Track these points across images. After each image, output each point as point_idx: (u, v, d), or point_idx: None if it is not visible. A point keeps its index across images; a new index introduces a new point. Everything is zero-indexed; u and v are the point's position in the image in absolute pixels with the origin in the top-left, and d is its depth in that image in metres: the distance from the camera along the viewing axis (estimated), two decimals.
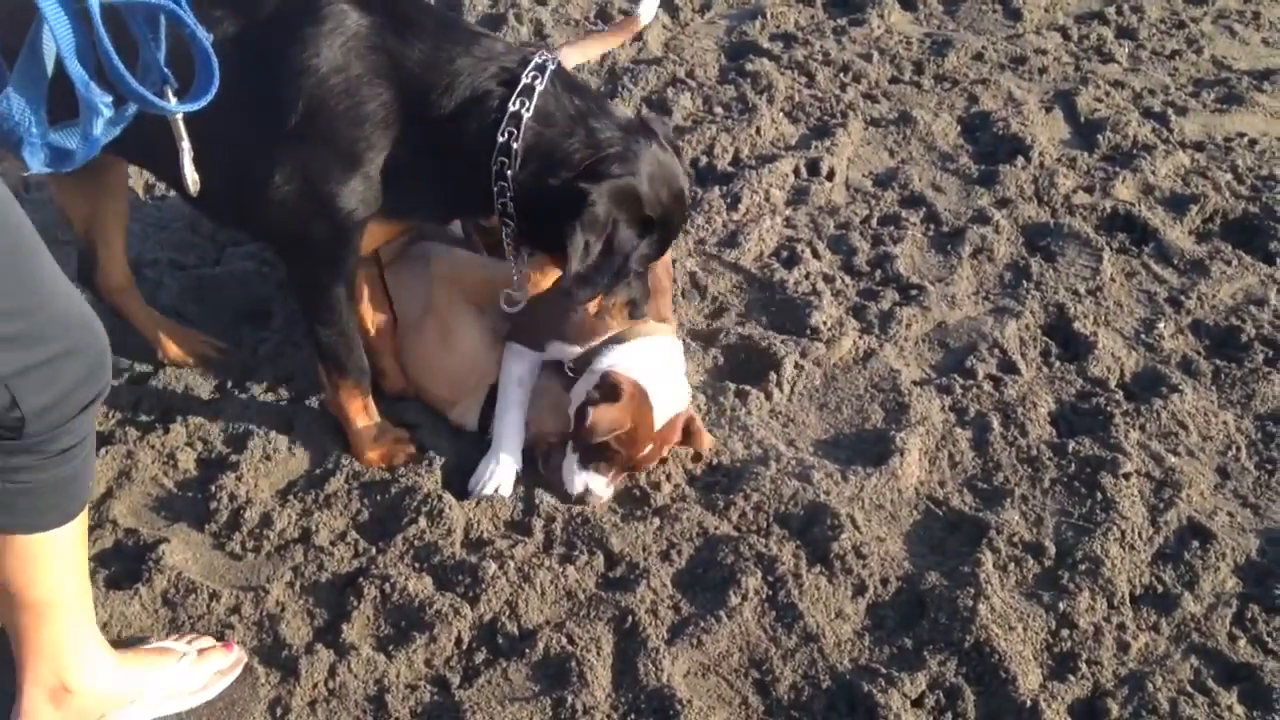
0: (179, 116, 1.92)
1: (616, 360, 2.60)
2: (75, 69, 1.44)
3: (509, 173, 2.29)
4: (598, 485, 2.59)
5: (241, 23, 2.23)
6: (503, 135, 2.26)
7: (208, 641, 2.22)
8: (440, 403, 2.82)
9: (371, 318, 2.73)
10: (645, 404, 2.55)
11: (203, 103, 1.60)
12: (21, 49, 1.45)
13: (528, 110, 2.25)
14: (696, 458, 2.75)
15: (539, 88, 2.27)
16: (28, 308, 1.60)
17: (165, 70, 1.60)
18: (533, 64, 2.30)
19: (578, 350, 2.67)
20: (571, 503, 2.60)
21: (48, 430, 1.68)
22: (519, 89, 2.26)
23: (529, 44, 2.33)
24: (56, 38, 1.42)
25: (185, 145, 1.97)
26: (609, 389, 2.54)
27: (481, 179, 2.31)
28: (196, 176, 1.91)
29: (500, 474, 2.63)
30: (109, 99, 1.49)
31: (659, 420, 2.57)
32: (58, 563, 1.85)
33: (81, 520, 1.87)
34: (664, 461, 2.71)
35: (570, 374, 2.69)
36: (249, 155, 2.27)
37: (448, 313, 2.76)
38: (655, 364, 2.62)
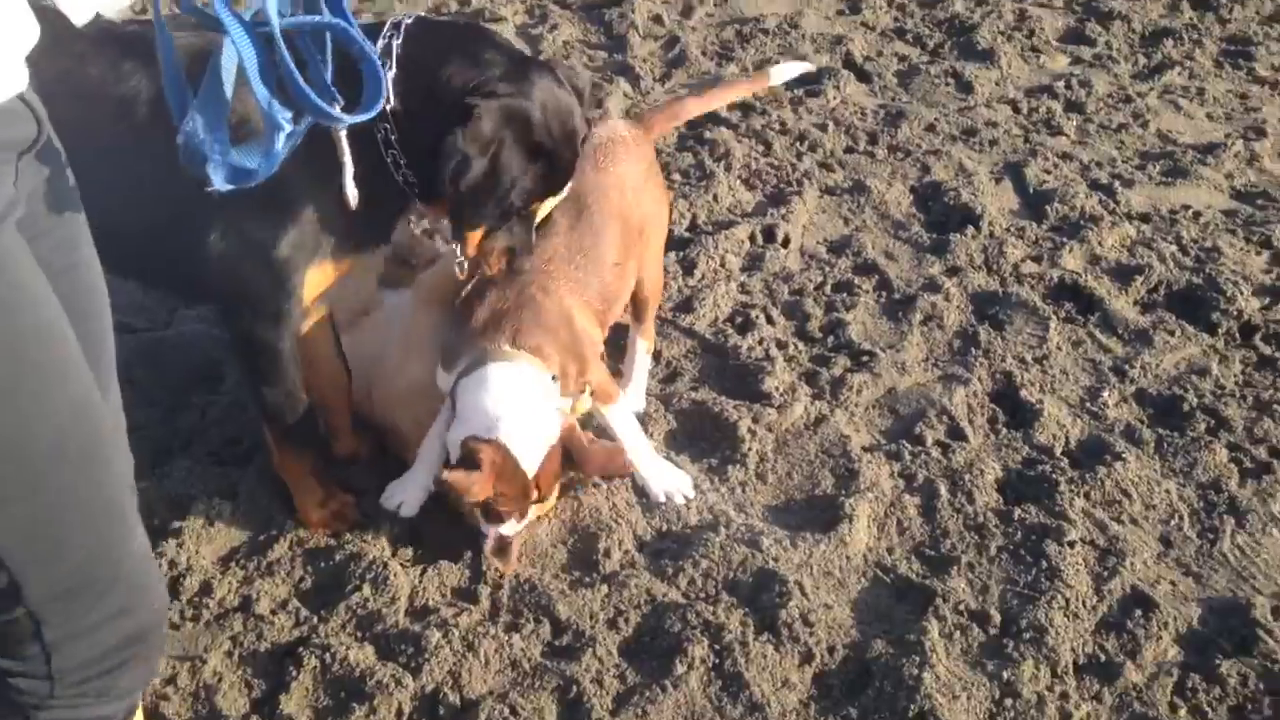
0: (343, 133, 1.99)
1: (468, 408, 2.49)
2: (260, 89, 1.54)
3: (394, 137, 2.19)
4: (508, 532, 2.57)
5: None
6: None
7: None
8: (403, 445, 2.79)
9: (326, 378, 2.70)
10: (511, 463, 2.45)
11: (373, 113, 1.75)
12: (205, 72, 1.54)
13: (391, 69, 2.14)
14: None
15: (396, 42, 2.17)
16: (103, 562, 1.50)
17: (332, 88, 1.70)
18: (388, 24, 2.21)
19: (447, 376, 2.61)
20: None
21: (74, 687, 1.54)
22: (382, 53, 2.14)
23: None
24: (244, 60, 1.51)
25: (347, 160, 2.06)
26: (468, 461, 2.43)
27: (378, 161, 2.22)
28: (356, 191, 2.06)
29: (406, 493, 2.65)
30: (289, 115, 1.59)
31: (532, 468, 2.49)
32: None
33: None
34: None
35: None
36: (184, 215, 2.21)
37: (410, 349, 2.75)
38: (511, 401, 2.49)
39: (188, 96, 1.54)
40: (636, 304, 3.06)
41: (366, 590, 2.48)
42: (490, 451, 2.43)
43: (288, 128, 1.57)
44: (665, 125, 3.34)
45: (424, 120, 2.18)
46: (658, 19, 5.41)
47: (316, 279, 2.36)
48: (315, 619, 2.44)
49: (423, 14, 2.40)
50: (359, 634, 2.41)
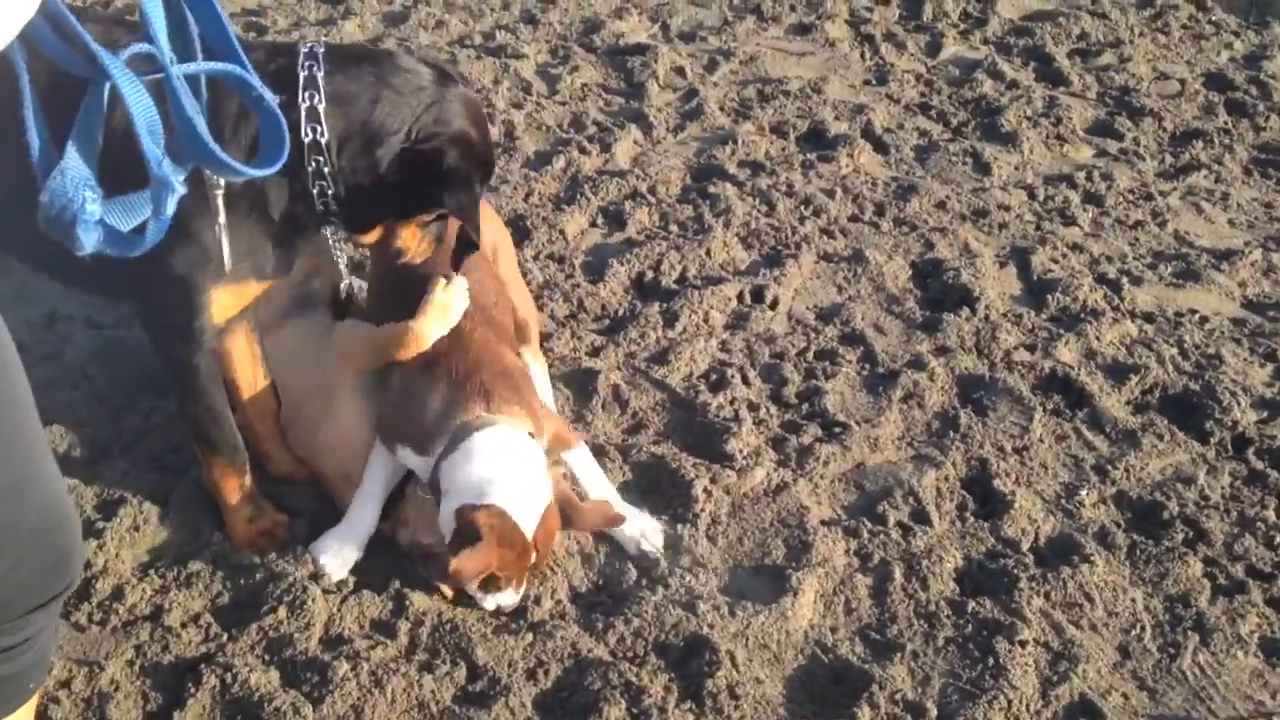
0: (219, 193, 1.90)
1: (458, 482, 2.40)
2: (151, 148, 1.39)
3: (326, 169, 2.23)
4: (507, 600, 2.50)
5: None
6: (307, 134, 2.19)
7: None
8: (330, 487, 2.73)
9: (251, 404, 2.64)
10: (509, 525, 2.36)
11: (277, 166, 1.58)
12: (75, 122, 1.39)
13: (321, 101, 2.19)
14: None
15: (320, 75, 2.20)
16: None
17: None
18: (302, 55, 2.22)
19: (422, 460, 2.52)
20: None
21: None
22: (301, 84, 2.19)
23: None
24: (134, 115, 1.36)
25: (223, 220, 1.95)
26: (467, 531, 2.32)
27: (301, 191, 2.25)
28: (229, 253, 1.95)
29: (334, 554, 2.55)
30: (181, 175, 1.44)
31: (530, 529, 2.39)
32: None
33: (20, 716, 1.67)
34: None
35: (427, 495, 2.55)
36: None
37: (333, 396, 2.69)
38: (501, 465, 2.41)
39: (51, 151, 1.39)
40: (519, 329, 3.01)
41: (282, 613, 2.40)
42: (487, 517, 2.33)
43: (181, 190, 1.43)
44: None
45: (363, 154, 2.26)
46: (680, 70, 5.40)
47: (225, 300, 2.32)
48: (225, 636, 2.36)
49: (324, 40, 2.37)
50: (266, 657, 2.33)
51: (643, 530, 2.75)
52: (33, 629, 1.57)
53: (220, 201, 1.84)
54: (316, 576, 2.52)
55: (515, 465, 2.43)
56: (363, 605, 2.48)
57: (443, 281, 2.61)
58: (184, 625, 2.37)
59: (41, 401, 2.80)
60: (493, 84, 5.02)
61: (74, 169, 1.34)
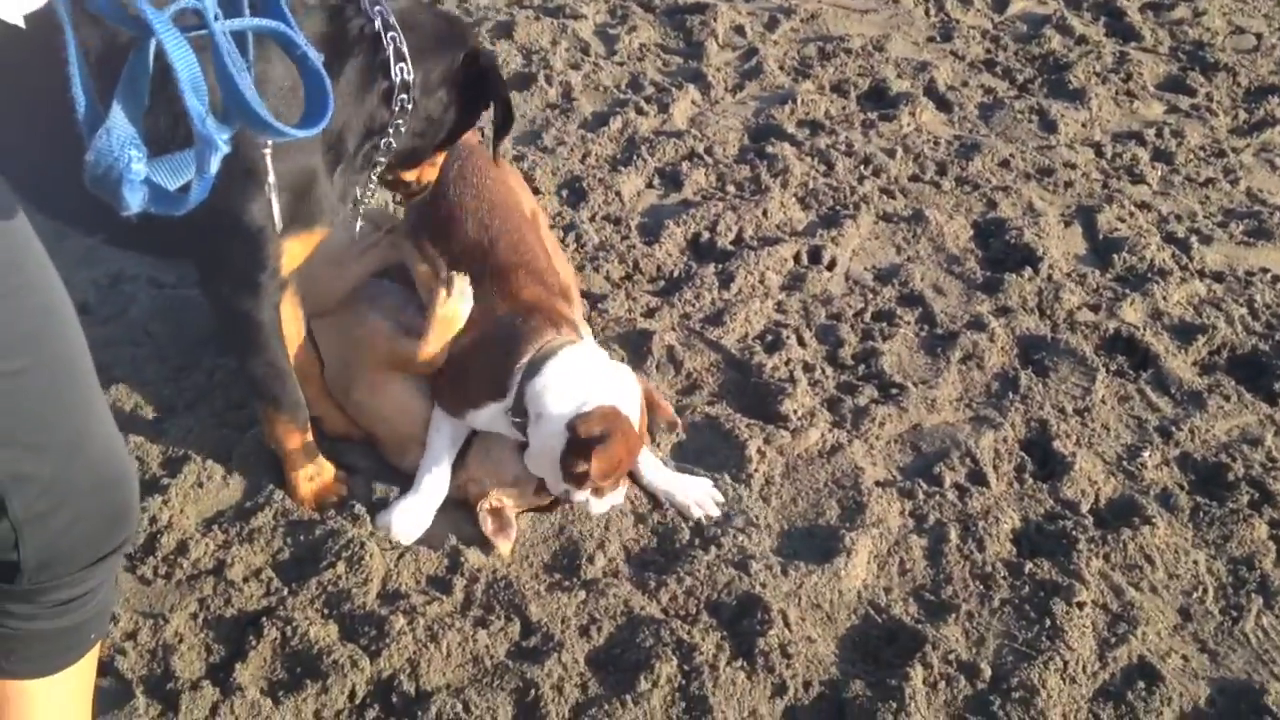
0: (268, 153, 1.91)
1: (555, 399, 2.49)
2: (194, 104, 1.36)
3: (410, 107, 2.37)
4: (617, 499, 2.64)
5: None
6: (396, 74, 2.32)
7: None
8: (387, 450, 2.77)
9: (299, 364, 2.65)
10: (625, 421, 2.50)
11: (321, 127, 1.54)
12: (120, 80, 1.37)
13: (402, 42, 2.32)
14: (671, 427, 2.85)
15: (391, 17, 2.32)
16: (52, 449, 1.48)
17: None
18: (366, 2, 2.32)
19: (497, 405, 2.59)
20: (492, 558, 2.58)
21: (45, 582, 1.56)
22: (381, 27, 2.30)
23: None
24: (178, 71, 1.34)
25: (272, 180, 1.96)
26: (588, 436, 2.44)
27: (379, 131, 2.39)
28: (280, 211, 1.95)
29: (407, 522, 2.58)
30: (226, 134, 1.41)
31: (636, 420, 2.55)
32: (49, 708, 1.69)
33: (82, 666, 1.71)
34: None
35: (517, 429, 2.61)
36: None
37: (377, 370, 2.72)
38: (596, 373, 2.55)
39: (97, 109, 1.36)
40: (562, 294, 3.02)
41: (340, 568, 2.44)
42: (607, 417, 2.48)
43: (225, 149, 1.39)
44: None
45: (440, 84, 2.46)
46: (740, 29, 5.33)
47: (295, 249, 2.34)
48: (285, 591, 2.41)
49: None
50: (325, 611, 2.37)
51: (698, 498, 2.76)
52: (93, 582, 1.61)
53: (269, 161, 1.84)
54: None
55: (605, 369, 2.59)
56: (419, 562, 2.52)
57: (443, 294, 2.65)
58: (246, 579, 2.43)
59: (106, 360, 2.90)
60: (550, 45, 5.00)
61: (119, 127, 1.32)
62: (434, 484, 2.62)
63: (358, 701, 2.23)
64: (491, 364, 2.58)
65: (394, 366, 2.71)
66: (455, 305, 2.65)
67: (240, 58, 1.44)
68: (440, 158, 2.70)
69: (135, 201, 1.34)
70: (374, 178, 2.47)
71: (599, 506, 2.61)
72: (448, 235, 2.84)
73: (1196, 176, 4.55)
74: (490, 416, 2.61)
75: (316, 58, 1.50)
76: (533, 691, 2.26)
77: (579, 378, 2.52)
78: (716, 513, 2.74)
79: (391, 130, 2.34)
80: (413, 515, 2.59)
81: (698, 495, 2.76)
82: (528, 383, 2.52)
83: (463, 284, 2.66)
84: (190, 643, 2.29)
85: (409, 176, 2.65)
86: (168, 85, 1.34)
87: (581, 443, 2.44)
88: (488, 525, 2.57)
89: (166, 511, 2.53)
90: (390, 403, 2.71)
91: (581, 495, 2.55)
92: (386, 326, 2.74)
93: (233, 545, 2.49)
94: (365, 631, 2.33)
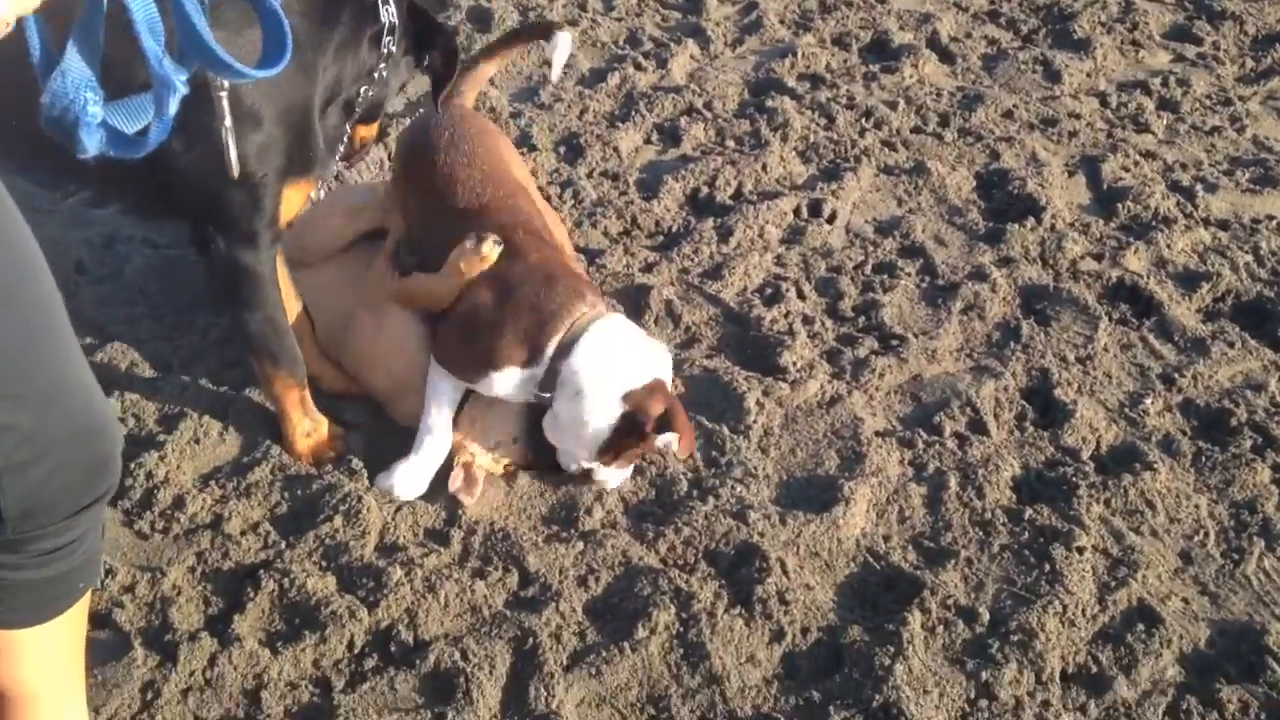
0: (224, 95, 1.89)
1: (602, 373, 2.50)
2: (151, 44, 1.35)
3: (393, 50, 2.45)
4: (628, 471, 2.66)
5: None
6: (385, 18, 2.39)
7: None
8: (384, 399, 2.77)
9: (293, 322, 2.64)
10: (671, 396, 2.56)
11: (280, 68, 1.51)
12: (75, 22, 1.35)
13: None
14: None
15: None
16: (30, 399, 1.48)
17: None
18: None
19: (526, 373, 2.54)
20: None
21: (29, 531, 1.56)
22: None
23: None
24: (134, 12, 1.33)
25: (228, 123, 1.94)
26: (655, 418, 2.48)
27: (367, 76, 2.45)
28: (236, 156, 1.91)
29: (408, 483, 2.57)
30: (184, 75, 1.39)
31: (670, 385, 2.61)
32: (40, 657, 1.70)
33: (72, 616, 1.71)
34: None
35: (538, 399, 2.56)
36: None
37: (383, 310, 2.72)
38: (633, 344, 2.58)
39: (51, 52, 1.35)
40: None
41: (338, 521, 2.45)
42: (665, 393, 2.54)
43: (183, 90, 1.37)
44: (474, 94, 3.41)
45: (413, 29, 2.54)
46: None
47: (293, 198, 2.33)
48: (283, 544, 2.41)
49: None
50: (323, 563, 2.38)
51: None
52: (78, 530, 1.61)
53: (225, 104, 1.82)
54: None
55: (641, 341, 2.62)
56: (416, 514, 2.52)
57: (470, 242, 2.61)
58: (243, 533, 2.43)
59: (101, 319, 2.91)
60: (547, 1, 4.96)
61: (75, 70, 1.30)
62: (434, 444, 2.60)
63: (356, 651, 2.24)
64: (518, 330, 2.53)
65: (400, 298, 2.70)
66: (477, 258, 2.59)
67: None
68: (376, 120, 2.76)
69: (92, 144, 1.33)
70: (349, 129, 2.46)
71: (615, 478, 2.63)
72: (440, 199, 2.81)
73: (1202, 125, 4.50)
74: (508, 381, 2.55)
75: None
76: (530, 640, 2.26)
77: (620, 354, 2.53)
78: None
79: (376, 76, 2.32)
80: (414, 476, 2.58)
81: None
82: (564, 359, 2.49)
83: (491, 245, 2.60)
84: (188, 595, 2.30)
85: (363, 133, 2.66)
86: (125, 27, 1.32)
87: (637, 421, 2.47)
88: (456, 481, 2.56)
89: (163, 467, 2.53)
90: (389, 347, 2.70)
91: (605, 472, 2.58)
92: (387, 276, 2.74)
93: (230, 500, 2.49)
94: (363, 583, 2.33)
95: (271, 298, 2.42)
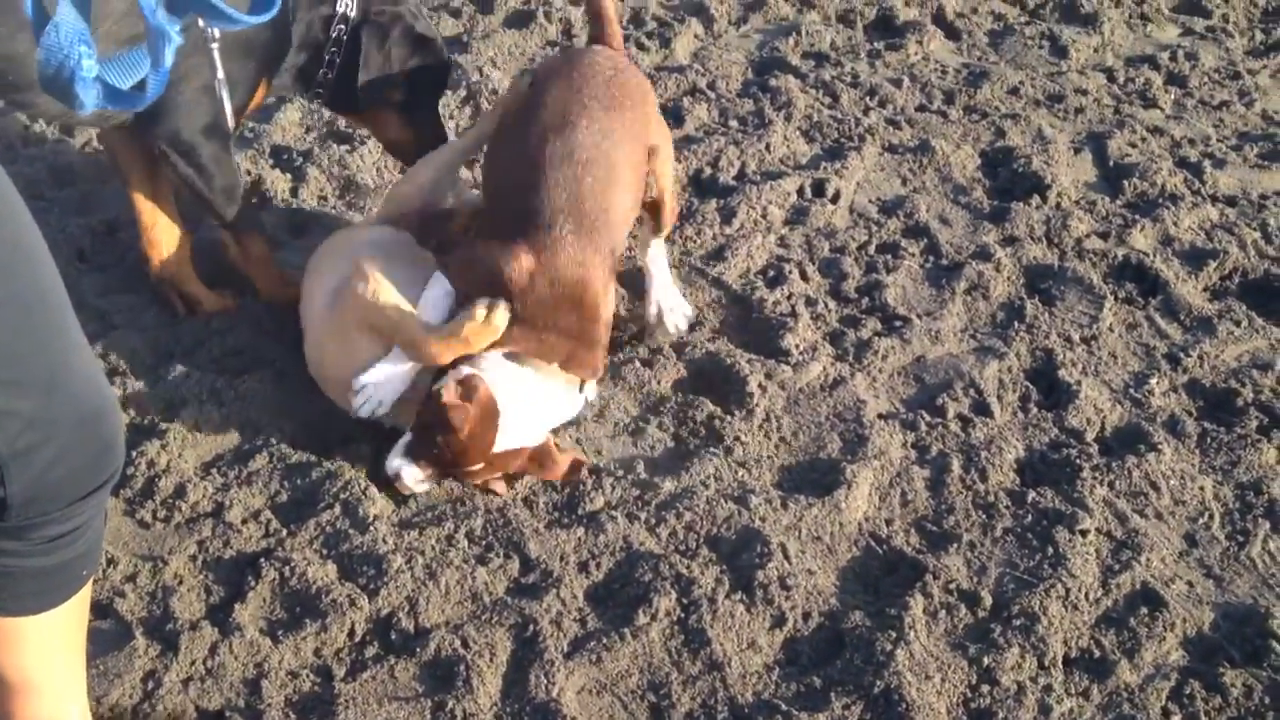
0: (216, 47, 1.88)
1: (488, 367, 2.47)
2: None
3: (344, 39, 2.68)
4: (411, 477, 2.46)
5: None
6: (340, 5, 2.65)
7: None
8: (339, 398, 2.69)
9: None
10: (490, 421, 2.42)
11: (274, 11, 1.49)
12: None
13: None
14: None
15: None
16: (31, 385, 1.48)
17: None
18: None
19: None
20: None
21: (33, 518, 1.55)
22: None
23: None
24: None
25: (220, 76, 1.94)
26: (467, 387, 2.41)
27: (317, 53, 2.70)
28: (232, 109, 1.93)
29: (416, 472, 2.47)
30: (177, 25, 1.36)
31: (498, 444, 2.44)
32: (42, 646, 1.70)
33: (74, 604, 1.71)
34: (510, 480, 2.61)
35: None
36: None
37: (354, 325, 2.57)
38: (522, 391, 2.49)
39: (43, 7, 1.33)
40: (654, 213, 2.96)
41: (339, 509, 2.45)
42: (486, 397, 2.41)
43: (178, 40, 1.35)
44: (618, 34, 3.07)
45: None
46: None
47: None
48: (284, 532, 2.41)
49: None
50: (324, 551, 2.38)
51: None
52: (82, 517, 1.62)
53: (218, 57, 1.82)
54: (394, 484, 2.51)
55: (533, 403, 2.53)
56: (417, 502, 2.52)
57: (481, 312, 2.45)
58: (244, 521, 2.43)
59: (104, 307, 2.90)
60: None
61: (68, 23, 1.26)
62: (439, 300, 2.56)
63: (357, 639, 2.24)
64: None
65: (383, 329, 2.54)
66: (484, 331, 2.47)
67: None
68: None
69: (90, 100, 1.31)
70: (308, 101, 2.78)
71: (394, 464, 2.49)
72: (516, 144, 2.62)
73: (1210, 100, 4.47)
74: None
75: None
76: (531, 627, 2.26)
77: (518, 384, 2.50)
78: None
79: (327, 58, 2.54)
80: (435, 293, 2.56)
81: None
82: (489, 356, 2.55)
83: (502, 317, 2.46)
84: (189, 584, 2.30)
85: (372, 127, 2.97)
86: None
87: (461, 384, 2.42)
88: (390, 467, 2.51)
89: (165, 456, 2.53)
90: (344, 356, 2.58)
91: (402, 444, 2.52)
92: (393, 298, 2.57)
93: (231, 488, 2.49)
94: (364, 571, 2.34)
95: (225, 162, 2.69)
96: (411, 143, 3.00)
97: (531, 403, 2.51)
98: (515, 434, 2.47)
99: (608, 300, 2.57)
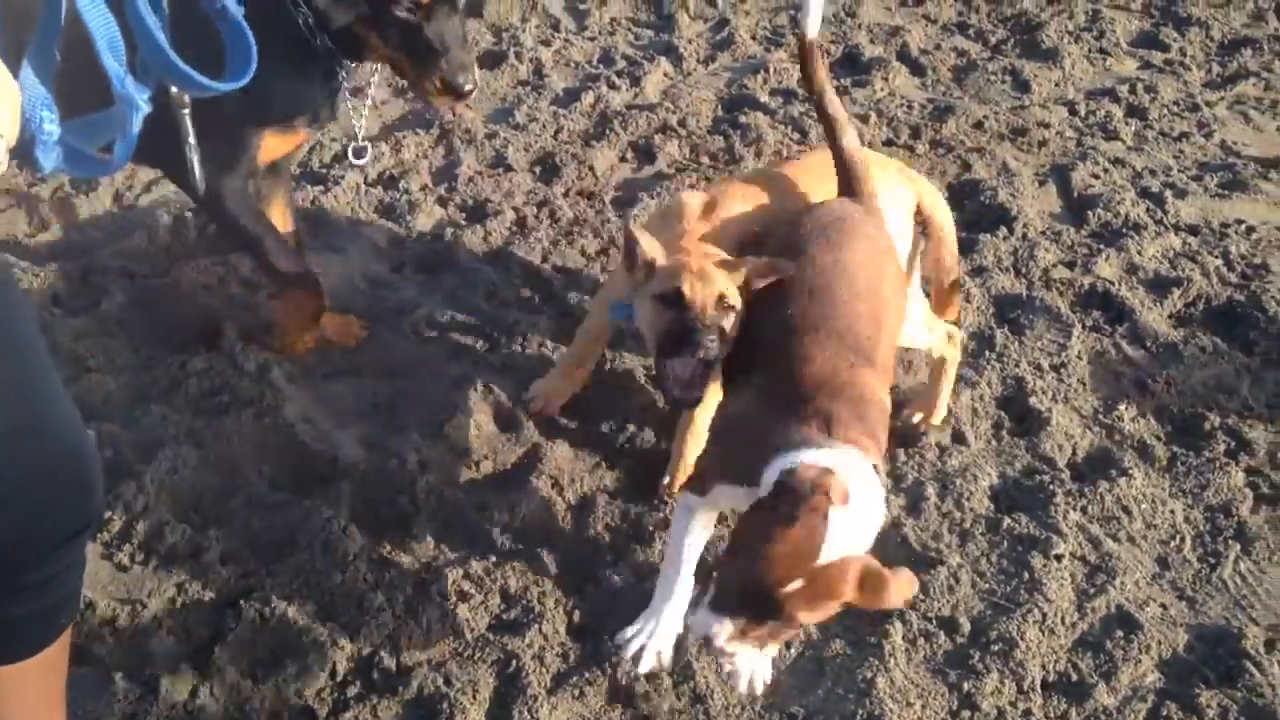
0: (187, 113, 1.88)
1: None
2: (113, 64, 1.33)
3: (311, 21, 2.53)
4: (724, 634, 1.82)
5: None
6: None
7: None
8: None
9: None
10: (821, 528, 1.80)
11: (246, 79, 1.51)
12: (31, 38, 1.33)
13: None
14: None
15: None
16: (10, 431, 1.47)
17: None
18: None
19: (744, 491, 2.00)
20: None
21: (14, 565, 1.54)
22: None
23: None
24: (94, 32, 1.31)
25: (192, 141, 1.93)
26: (787, 495, 1.84)
27: (300, 43, 2.52)
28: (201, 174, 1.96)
29: (658, 638, 2.16)
30: (146, 94, 1.37)
31: (825, 554, 1.80)
32: (20, 694, 1.68)
33: (54, 651, 1.69)
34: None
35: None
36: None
37: None
38: (849, 486, 1.86)
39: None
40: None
41: (318, 548, 2.44)
42: (816, 498, 1.81)
43: (146, 108, 1.36)
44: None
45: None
46: (711, 0, 5.31)
47: (272, 144, 2.58)
48: (264, 572, 2.41)
49: None
50: (303, 591, 2.37)
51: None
52: (60, 564, 1.61)
53: (189, 122, 1.81)
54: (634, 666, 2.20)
55: (860, 499, 1.91)
56: (395, 539, 2.52)
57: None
58: (223, 562, 2.43)
59: (79, 351, 2.89)
60: (520, 22, 4.99)
61: (30, 87, 1.26)
62: (678, 593, 2.18)
63: (339, 679, 2.23)
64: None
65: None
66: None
67: (153, 15, 1.41)
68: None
69: (49, 162, 1.30)
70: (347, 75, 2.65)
71: (700, 625, 1.88)
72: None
73: (1170, 131, 4.56)
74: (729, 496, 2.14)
75: (237, 10, 1.47)
76: (514, 663, 2.26)
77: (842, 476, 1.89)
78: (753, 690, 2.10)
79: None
80: (663, 629, 2.17)
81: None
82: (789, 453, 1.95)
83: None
84: (169, 626, 2.29)
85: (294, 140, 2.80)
86: (81, 43, 1.30)
87: (778, 495, 1.88)
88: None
89: (142, 498, 2.52)
90: None
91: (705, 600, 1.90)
92: None
93: (209, 529, 2.49)
94: (344, 609, 2.33)
95: (254, 214, 2.72)
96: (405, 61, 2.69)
97: (865, 497, 1.92)
98: (845, 538, 1.83)
99: None
